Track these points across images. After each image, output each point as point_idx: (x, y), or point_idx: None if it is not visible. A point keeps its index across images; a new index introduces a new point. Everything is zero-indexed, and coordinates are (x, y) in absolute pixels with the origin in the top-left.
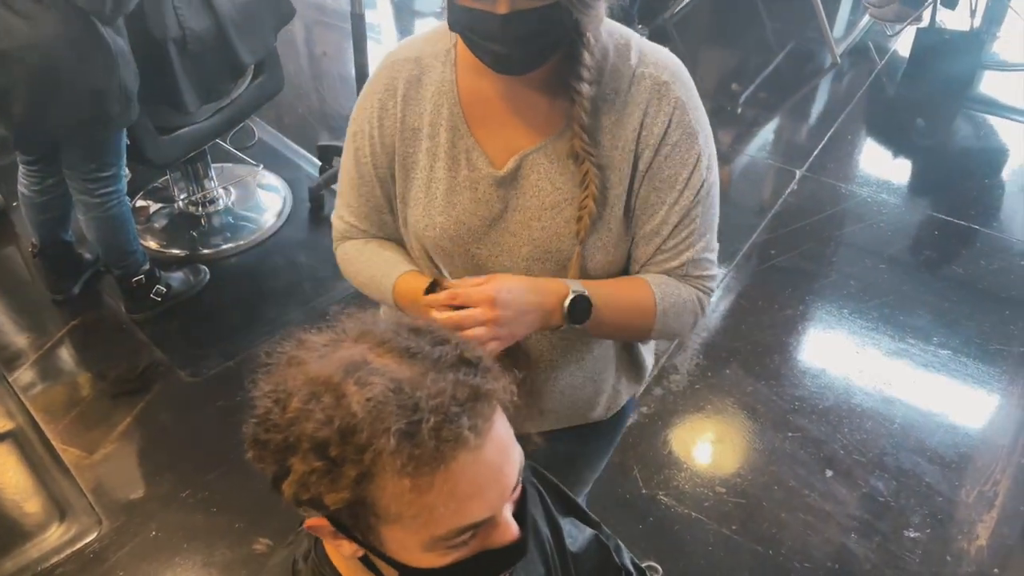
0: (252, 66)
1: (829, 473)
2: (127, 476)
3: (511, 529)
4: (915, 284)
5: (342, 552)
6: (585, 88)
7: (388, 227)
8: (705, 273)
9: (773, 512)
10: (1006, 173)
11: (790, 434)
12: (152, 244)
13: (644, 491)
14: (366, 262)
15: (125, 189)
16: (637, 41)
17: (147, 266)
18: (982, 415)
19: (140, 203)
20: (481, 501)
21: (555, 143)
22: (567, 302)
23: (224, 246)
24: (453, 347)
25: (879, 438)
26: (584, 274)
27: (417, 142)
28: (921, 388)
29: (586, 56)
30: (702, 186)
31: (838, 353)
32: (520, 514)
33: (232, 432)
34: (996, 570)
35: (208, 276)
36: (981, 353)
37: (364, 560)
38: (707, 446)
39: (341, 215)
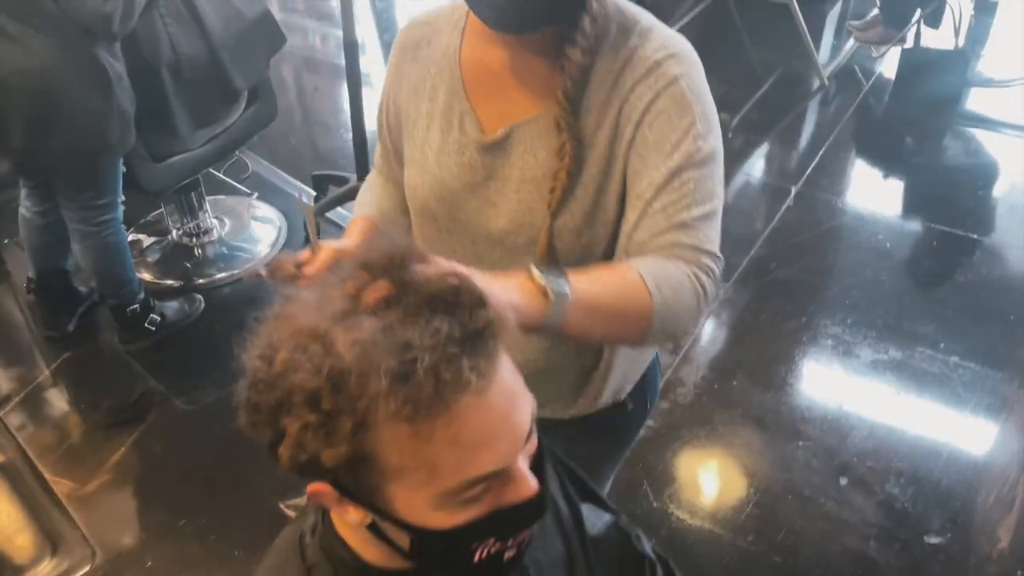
0: (245, 93)
1: (843, 481)
2: (122, 507)
3: (529, 483)
4: (917, 294)
5: (348, 520)
6: (576, 55)
7: (395, 174)
8: (702, 246)
9: (789, 522)
10: (1000, 184)
11: (801, 443)
12: (146, 276)
13: (655, 504)
14: (361, 194)
15: (122, 217)
16: (647, 23)
17: (142, 295)
18: (993, 420)
19: (133, 237)
20: (490, 451)
21: (546, 116)
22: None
23: (218, 276)
24: (450, 289)
25: (892, 445)
26: (552, 251)
27: (419, 102)
28: (931, 395)
29: (586, 22)
30: (696, 152)
31: (845, 362)
32: (537, 469)
33: (229, 460)
34: (1020, 572)
35: (203, 305)
36: (988, 359)
37: (372, 528)
38: (717, 458)
39: (378, 149)
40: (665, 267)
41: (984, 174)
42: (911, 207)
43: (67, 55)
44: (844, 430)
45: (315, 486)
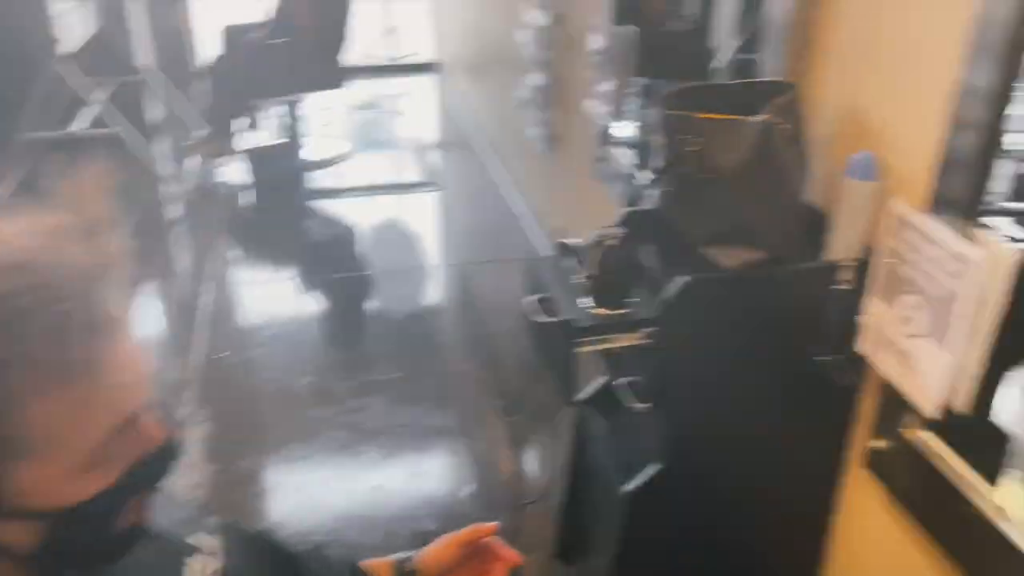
0: None
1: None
2: None
3: (157, 430)
4: (346, 331)
5: None
6: None
7: None
8: None
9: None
10: (360, 230)
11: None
12: None
13: None
14: None
15: None
16: None
17: None
18: (455, 388)
19: None
20: (139, 386)
21: None
22: None
23: None
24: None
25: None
26: None
27: None
28: (398, 396)
29: None
30: None
31: (327, 402)
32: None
33: None
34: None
35: None
36: (423, 349)
37: None
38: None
39: None
40: None
41: (346, 230)
42: (306, 267)
43: None
44: (353, 440)
45: None
